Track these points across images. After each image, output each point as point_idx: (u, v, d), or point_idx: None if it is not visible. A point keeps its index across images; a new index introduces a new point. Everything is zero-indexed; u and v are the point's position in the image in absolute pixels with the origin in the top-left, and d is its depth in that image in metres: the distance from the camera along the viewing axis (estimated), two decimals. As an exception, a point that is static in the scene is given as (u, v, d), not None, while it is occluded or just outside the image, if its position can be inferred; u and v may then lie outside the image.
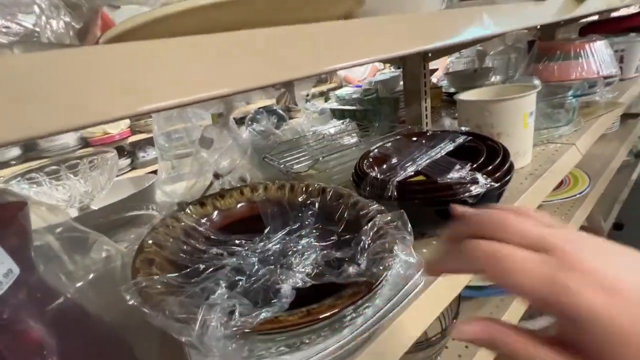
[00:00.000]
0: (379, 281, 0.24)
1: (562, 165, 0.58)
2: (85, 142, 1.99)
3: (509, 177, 0.38)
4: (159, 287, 0.23)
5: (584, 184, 0.86)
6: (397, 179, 0.38)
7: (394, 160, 0.44)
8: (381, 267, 0.24)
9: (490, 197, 0.37)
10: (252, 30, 0.18)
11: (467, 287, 0.54)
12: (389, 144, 0.50)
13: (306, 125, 0.84)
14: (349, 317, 0.23)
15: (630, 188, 1.31)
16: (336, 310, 0.22)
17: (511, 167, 0.40)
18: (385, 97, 0.94)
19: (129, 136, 2.10)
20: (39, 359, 0.19)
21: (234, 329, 0.18)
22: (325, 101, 1.46)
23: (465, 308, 0.57)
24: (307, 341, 0.22)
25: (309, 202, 0.36)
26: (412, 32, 0.28)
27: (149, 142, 2.11)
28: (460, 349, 0.51)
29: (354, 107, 0.95)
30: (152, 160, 2.13)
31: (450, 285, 0.36)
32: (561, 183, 0.84)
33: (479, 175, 0.35)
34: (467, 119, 0.58)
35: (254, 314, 0.19)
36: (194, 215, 0.32)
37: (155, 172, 0.95)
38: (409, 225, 0.28)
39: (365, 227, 0.28)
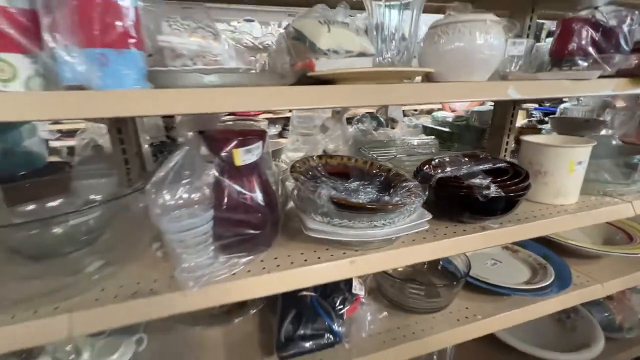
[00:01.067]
0: (405, 205, 0.47)
1: (606, 212, 0.67)
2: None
3: (516, 194, 0.55)
4: (300, 180, 0.51)
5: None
6: (439, 175, 0.59)
7: (446, 167, 0.65)
8: (408, 200, 0.47)
9: (499, 202, 0.55)
10: (380, 85, 0.44)
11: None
12: (448, 158, 0.70)
13: (399, 134, 1.07)
14: (393, 215, 0.47)
15: None
16: (389, 207, 0.46)
17: (523, 188, 0.56)
18: (474, 125, 1.09)
19: (259, 114, 2.65)
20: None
21: (334, 199, 0.45)
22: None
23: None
24: (376, 223, 0.47)
25: (379, 173, 0.60)
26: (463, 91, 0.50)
27: (274, 121, 2.80)
28: (460, 314, 0.68)
29: (443, 128, 1.13)
30: (272, 135, 2.68)
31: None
32: (631, 239, 0.86)
33: (492, 185, 0.54)
34: (525, 155, 0.72)
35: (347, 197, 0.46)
36: (316, 161, 0.60)
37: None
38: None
39: (405, 185, 0.51)
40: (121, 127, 0.65)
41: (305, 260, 0.49)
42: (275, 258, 0.50)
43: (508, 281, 0.73)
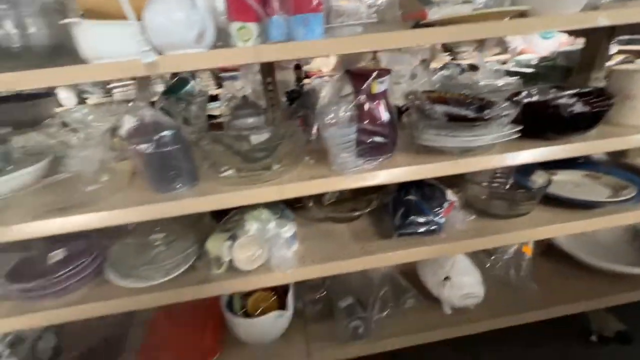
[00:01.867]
0: (500, 116, 0.63)
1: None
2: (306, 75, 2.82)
3: (599, 108, 0.66)
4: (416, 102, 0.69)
5: None
6: (527, 100, 0.72)
7: (533, 96, 0.76)
8: (502, 113, 0.63)
9: (583, 118, 0.67)
10: (485, 23, 0.58)
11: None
12: (536, 89, 0.80)
13: (482, 77, 1.16)
14: (489, 127, 0.64)
15: None
16: (486, 118, 0.62)
17: (606, 105, 0.66)
18: (560, 65, 1.13)
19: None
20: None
21: (446, 113, 0.62)
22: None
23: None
24: (476, 132, 0.64)
25: (473, 102, 0.75)
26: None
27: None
28: (539, 220, 0.82)
29: (527, 70, 1.18)
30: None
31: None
32: None
33: (577, 103, 0.66)
34: (614, 83, 0.79)
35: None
36: (421, 94, 0.77)
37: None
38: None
39: (497, 106, 0.66)
40: (269, 78, 0.89)
41: (420, 160, 0.68)
42: (398, 159, 0.70)
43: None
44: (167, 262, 0.75)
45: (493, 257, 1.05)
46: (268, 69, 0.95)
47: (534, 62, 1.22)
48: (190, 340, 0.93)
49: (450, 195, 0.85)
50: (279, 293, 0.92)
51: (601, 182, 0.93)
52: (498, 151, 0.69)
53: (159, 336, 0.97)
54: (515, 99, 0.75)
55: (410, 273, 1.05)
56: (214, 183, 0.68)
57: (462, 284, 0.88)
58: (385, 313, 0.91)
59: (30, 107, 0.97)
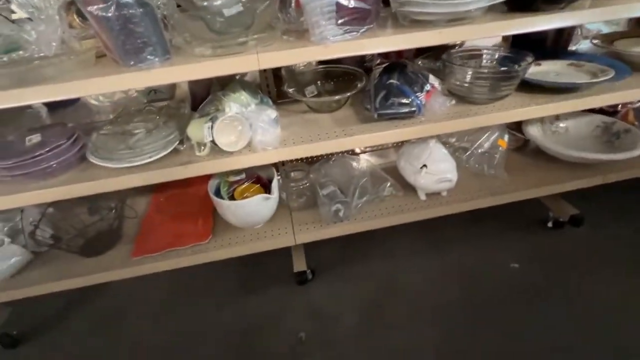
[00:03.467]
0: None
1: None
2: None
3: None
4: None
5: None
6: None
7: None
8: None
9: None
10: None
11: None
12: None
13: None
14: None
15: None
16: None
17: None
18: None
19: None
20: None
21: None
22: None
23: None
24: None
25: None
26: None
27: None
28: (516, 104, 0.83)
29: None
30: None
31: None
32: None
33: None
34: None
35: None
36: None
37: None
38: None
39: None
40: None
41: (403, 29, 0.65)
42: (380, 30, 0.67)
43: (566, 83, 0.85)
44: (148, 147, 0.75)
45: (469, 152, 1.10)
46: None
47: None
48: (183, 228, 0.99)
49: (433, 79, 0.84)
50: (265, 184, 0.96)
51: (583, 69, 0.93)
52: (484, 21, 0.66)
53: (153, 226, 1.03)
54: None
55: (389, 168, 1.10)
56: (188, 57, 0.65)
57: (437, 170, 0.93)
58: (365, 199, 0.97)
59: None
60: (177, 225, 1.02)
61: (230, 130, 0.74)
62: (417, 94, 0.80)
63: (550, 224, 1.22)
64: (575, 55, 1.00)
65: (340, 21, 0.63)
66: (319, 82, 0.98)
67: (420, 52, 1.07)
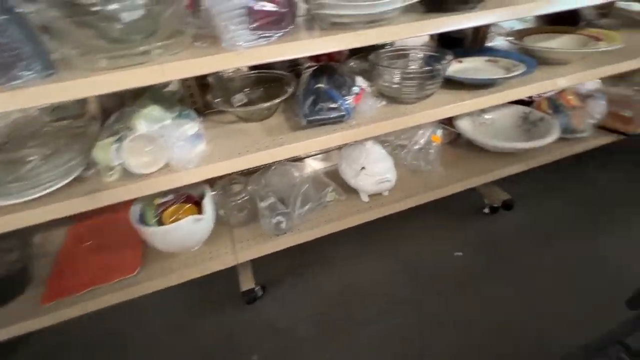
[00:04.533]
0: None
1: None
2: None
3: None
4: None
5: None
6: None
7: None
8: None
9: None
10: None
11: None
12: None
13: None
14: None
15: None
16: None
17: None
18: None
19: None
20: None
21: None
22: None
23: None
24: None
25: None
26: None
27: None
28: (443, 101, 0.86)
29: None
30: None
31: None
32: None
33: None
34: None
35: None
36: None
37: None
38: None
39: None
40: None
41: (323, 32, 0.63)
42: (297, 34, 0.63)
43: (485, 79, 0.89)
44: (44, 177, 0.64)
45: (405, 150, 1.12)
46: None
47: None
48: (107, 261, 0.88)
49: (361, 81, 0.83)
50: (197, 202, 0.88)
51: (499, 65, 0.99)
52: (401, 22, 0.66)
53: (70, 262, 0.90)
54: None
55: (331, 172, 1.08)
56: (81, 71, 0.56)
57: (376, 170, 0.92)
58: (307, 207, 0.94)
59: None
60: (100, 258, 0.90)
61: (142, 150, 0.66)
62: (346, 97, 0.78)
63: (486, 210, 1.30)
64: (492, 51, 1.06)
65: (253, 25, 0.59)
66: (247, 89, 0.92)
67: (354, 52, 1.06)
